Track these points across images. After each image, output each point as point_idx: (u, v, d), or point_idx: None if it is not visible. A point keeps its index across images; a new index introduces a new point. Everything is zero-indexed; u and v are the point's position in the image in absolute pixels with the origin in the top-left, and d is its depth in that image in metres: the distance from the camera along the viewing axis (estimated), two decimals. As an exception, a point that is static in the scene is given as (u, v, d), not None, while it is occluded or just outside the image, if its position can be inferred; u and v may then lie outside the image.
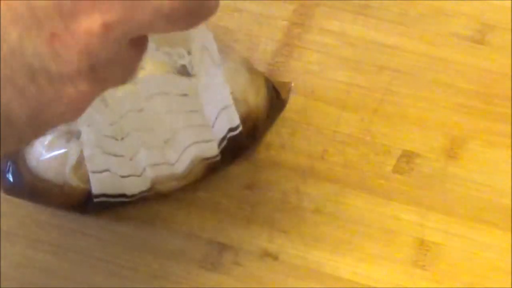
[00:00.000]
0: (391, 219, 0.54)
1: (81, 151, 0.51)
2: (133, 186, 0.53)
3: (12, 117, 0.34)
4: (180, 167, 0.53)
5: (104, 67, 0.36)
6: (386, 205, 0.54)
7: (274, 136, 0.57)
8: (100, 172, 0.51)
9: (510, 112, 0.57)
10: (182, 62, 0.51)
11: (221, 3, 0.49)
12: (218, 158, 0.54)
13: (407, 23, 0.62)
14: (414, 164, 0.56)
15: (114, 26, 0.35)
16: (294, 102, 0.58)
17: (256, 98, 0.56)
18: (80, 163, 0.52)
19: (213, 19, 0.40)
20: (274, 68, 0.60)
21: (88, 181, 0.52)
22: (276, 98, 0.57)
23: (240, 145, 0.55)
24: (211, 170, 0.55)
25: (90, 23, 0.35)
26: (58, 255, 0.53)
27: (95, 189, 0.52)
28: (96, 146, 0.50)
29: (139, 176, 0.52)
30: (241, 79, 0.55)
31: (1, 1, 0.33)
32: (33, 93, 0.35)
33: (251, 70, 0.56)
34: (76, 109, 0.37)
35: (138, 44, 0.38)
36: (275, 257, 0.53)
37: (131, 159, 0.52)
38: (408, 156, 0.56)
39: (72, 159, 0.52)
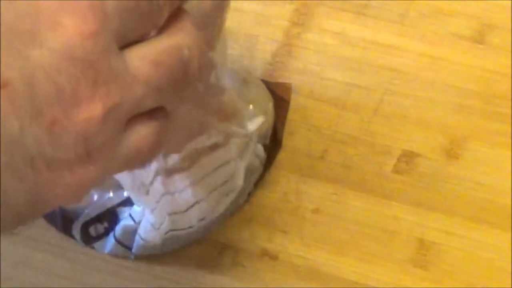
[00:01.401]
0: (391, 219, 0.54)
1: None
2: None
3: (11, 200, 0.35)
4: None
5: (99, 151, 0.36)
6: (386, 205, 0.54)
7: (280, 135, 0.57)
8: None
9: (510, 112, 0.57)
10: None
11: (221, 3, 0.49)
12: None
13: (407, 23, 0.62)
14: (414, 164, 0.56)
15: (113, 109, 0.36)
16: (294, 102, 0.58)
17: (267, 105, 0.56)
18: None
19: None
20: (274, 68, 0.60)
21: None
22: (280, 100, 0.58)
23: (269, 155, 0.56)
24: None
25: (91, 110, 0.35)
26: (58, 255, 0.53)
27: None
28: None
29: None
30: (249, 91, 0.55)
31: (2, 93, 0.33)
32: (31, 177, 0.35)
33: (249, 78, 0.56)
34: (74, 193, 0.37)
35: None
36: (275, 257, 0.53)
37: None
38: (408, 156, 0.56)
39: None
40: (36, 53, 0.34)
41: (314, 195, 0.55)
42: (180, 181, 0.50)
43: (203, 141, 0.50)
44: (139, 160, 0.39)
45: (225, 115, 0.44)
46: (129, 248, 0.52)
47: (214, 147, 0.50)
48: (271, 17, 0.62)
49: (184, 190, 0.50)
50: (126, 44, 0.37)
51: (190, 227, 0.52)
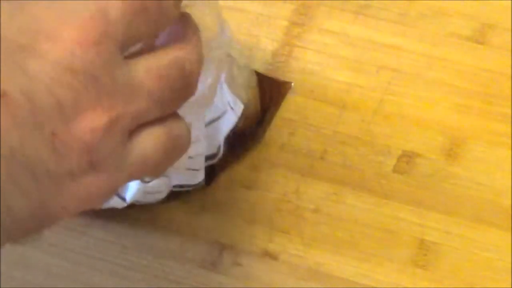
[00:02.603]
0: (391, 219, 0.54)
1: None
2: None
3: (15, 212, 0.35)
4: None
5: (104, 162, 0.36)
6: (386, 205, 0.54)
7: (274, 136, 0.57)
8: None
9: (510, 112, 0.57)
10: None
11: (221, 3, 0.49)
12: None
13: (407, 23, 0.62)
14: (414, 164, 0.56)
15: (117, 120, 0.36)
16: (294, 102, 0.58)
17: (247, 93, 0.56)
18: None
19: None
20: (274, 68, 0.60)
21: None
22: (272, 91, 0.58)
23: (242, 143, 0.55)
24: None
25: (94, 122, 0.35)
26: (58, 255, 0.53)
27: None
28: None
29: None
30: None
31: (1, 105, 0.33)
32: (33, 190, 0.35)
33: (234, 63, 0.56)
34: (83, 204, 0.37)
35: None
36: (275, 257, 0.53)
37: None
38: (408, 156, 0.56)
39: None
40: (36, 65, 0.34)
41: (314, 195, 0.55)
42: None
43: None
44: (148, 168, 0.39)
45: None
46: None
47: None
48: (271, 17, 0.62)
49: None
50: (132, 51, 0.37)
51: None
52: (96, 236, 0.54)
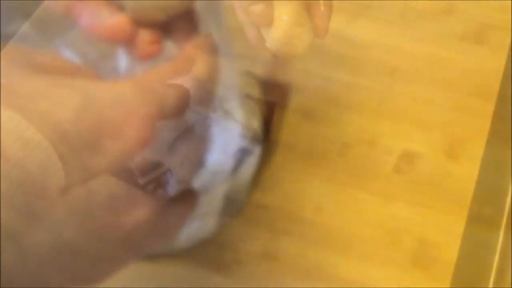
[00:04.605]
0: (391, 219, 0.54)
1: None
2: None
3: None
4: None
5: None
6: (386, 204, 0.54)
7: (274, 136, 0.57)
8: None
9: (510, 112, 0.57)
10: None
11: (222, 3, 0.49)
12: None
13: (407, 23, 0.62)
14: (414, 164, 0.56)
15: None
16: (294, 102, 0.58)
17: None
18: None
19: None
20: (274, 68, 0.60)
21: None
22: (278, 99, 0.58)
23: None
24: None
25: (139, 214, 0.39)
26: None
27: None
28: None
29: None
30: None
31: (62, 202, 0.35)
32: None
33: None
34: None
35: None
36: (275, 257, 0.53)
37: None
38: (408, 156, 0.56)
39: None
40: (96, 161, 0.36)
41: (314, 195, 0.55)
42: None
43: None
44: None
45: None
46: None
47: None
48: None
49: None
50: None
51: None
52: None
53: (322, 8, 0.46)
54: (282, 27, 0.46)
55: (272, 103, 0.57)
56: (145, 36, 0.44)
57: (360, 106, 0.58)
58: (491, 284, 0.52)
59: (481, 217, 0.54)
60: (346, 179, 0.55)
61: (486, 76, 0.59)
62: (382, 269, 0.52)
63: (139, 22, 0.43)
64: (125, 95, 0.37)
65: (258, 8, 0.45)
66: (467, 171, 0.55)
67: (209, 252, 0.53)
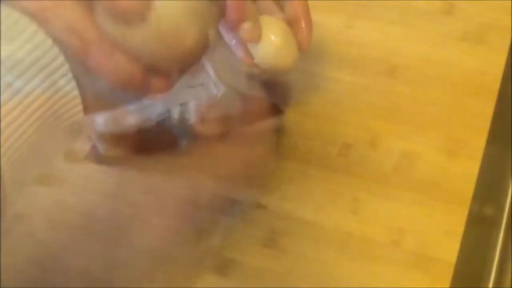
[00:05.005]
0: (393, 218, 0.54)
1: None
2: None
3: None
4: None
5: None
6: (386, 204, 0.54)
7: (274, 136, 0.57)
8: None
9: (510, 111, 0.57)
10: None
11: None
12: None
13: (407, 23, 0.62)
14: (414, 164, 0.56)
15: None
16: (294, 103, 0.58)
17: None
18: None
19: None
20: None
21: None
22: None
23: None
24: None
25: None
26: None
27: None
28: None
29: None
30: None
31: None
32: None
33: None
34: None
35: None
36: (275, 257, 0.53)
37: None
38: (408, 156, 0.56)
39: None
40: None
41: (314, 194, 0.55)
42: None
43: None
44: None
45: None
46: None
47: None
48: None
49: None
50: None
51: None
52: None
53: (303, 24, 0.51)
54: (271, 45, 0.50)
55: (272, 103, 0.58)
56: (157, 84, 0.45)
57: (360, 106, 0.58)
58: (491, 284, 0.52)
59: (481, 216, 0.54)
60: (347, 178, 0.55)
61: (486, 76, 0.59)
62: (382, 269, 0.52)
63: (151, 68, 0.44)
64: None
65: (246, 25, 0.49)
66: (467, 171, 0.55)
67: (209, 252, 0.53)
